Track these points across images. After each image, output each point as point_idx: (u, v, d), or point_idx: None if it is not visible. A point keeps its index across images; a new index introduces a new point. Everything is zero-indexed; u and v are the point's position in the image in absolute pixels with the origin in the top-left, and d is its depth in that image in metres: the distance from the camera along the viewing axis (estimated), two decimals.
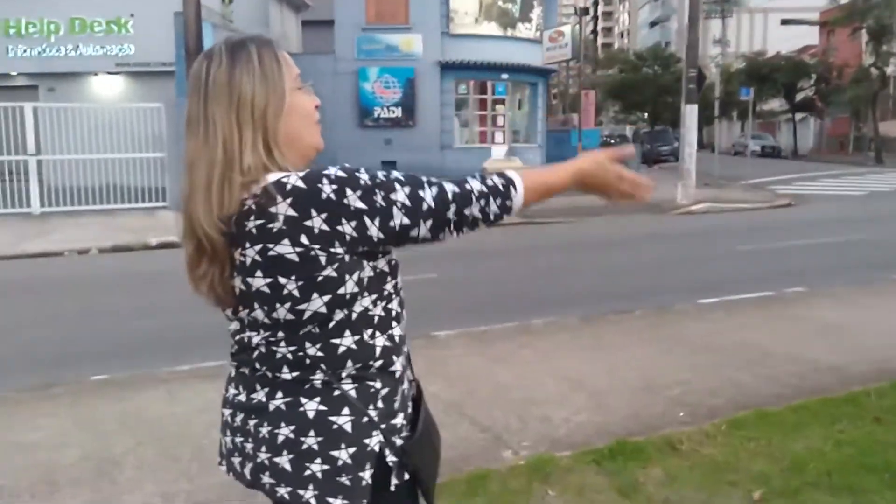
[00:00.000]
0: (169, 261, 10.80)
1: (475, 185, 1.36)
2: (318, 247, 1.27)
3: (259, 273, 1.29)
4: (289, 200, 1.26)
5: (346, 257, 1.30)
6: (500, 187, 1.38)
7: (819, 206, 17.68)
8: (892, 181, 24.07)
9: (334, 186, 1.27)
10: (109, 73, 21.24)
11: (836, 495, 3.41)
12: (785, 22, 60.45)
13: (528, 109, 27.83)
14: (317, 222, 1.26)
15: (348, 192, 1.27)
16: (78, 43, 21.07)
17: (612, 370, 5.33)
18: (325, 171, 1.29)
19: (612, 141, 39.85)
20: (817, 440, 4.04)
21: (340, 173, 1.29)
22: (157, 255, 11.39)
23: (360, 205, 1.28)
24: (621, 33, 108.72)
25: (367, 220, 1.29)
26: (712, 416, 4.45)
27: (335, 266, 1.29)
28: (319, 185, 1.26)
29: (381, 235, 1.31)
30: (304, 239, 1.26)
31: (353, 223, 1.28)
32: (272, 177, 1.29)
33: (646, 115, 51.12)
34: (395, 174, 1.35)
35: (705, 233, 13.67)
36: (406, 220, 1.31)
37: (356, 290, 1.33)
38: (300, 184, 1.27)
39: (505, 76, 25.78)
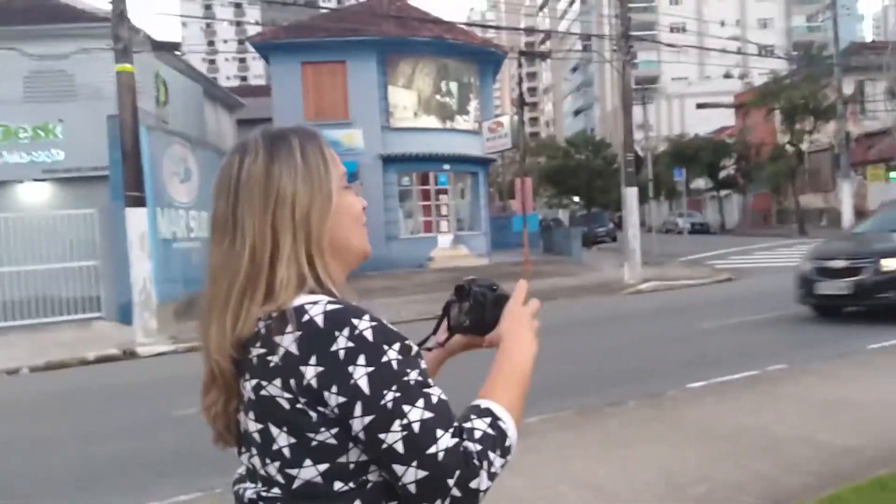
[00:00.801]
0: (110, 376, 10.14)
1: (472, 446, 1.04)
2: (304, 401, 1.03)
3: (252, 414, 1.08)
4: (298, 334, 1.03)
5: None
6: (498, 431, 1.08)
7: (760, 279, 17.91)
8: None
9: (351, 344, 1.02)
10: (36, 180, 20.46)
11: None
12: (700, 106, 63.66)
13: (470, 198, 28.04)
14: (310, 373, 1.02)
15: (361, 360, 1.02)
16: (2, 151, 20.31)
17: (628, 470, 4.91)
18: (356, 319, 1.04)
19: (547, 224, 40.65)
20: None
21: (368, 334, 1.03)
22: (95, 371, 10.56)
23: (364, 385, 1.01)
24: (547, 122, 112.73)
25: (358, 409, 1.01)
26: None
27: (333, 431, 1.03)
28: (336, 333, 1.03)
29: (363, 437, 1.02)
30: (293, 384, 1.03)
31: (342, 399, 1.01)
32: (300, 299, 1.08)
33: (576, 199, 52.46)
34: (433, 388, 1.06)
35: (662, 312, 13.57)
36: (399, 448, 1.00)
37: (366, 458, 1.05)
38: (319, 320, 1.04)
39: (446, 167, 26.02)
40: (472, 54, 27.67)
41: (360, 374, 1.01)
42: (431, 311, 11.16)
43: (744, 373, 7.54)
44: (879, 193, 32.49)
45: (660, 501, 4.36)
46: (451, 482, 1.00)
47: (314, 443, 1.03)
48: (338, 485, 1.04)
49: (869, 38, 73.35)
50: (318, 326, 1.03)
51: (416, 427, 1.00)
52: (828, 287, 10.49)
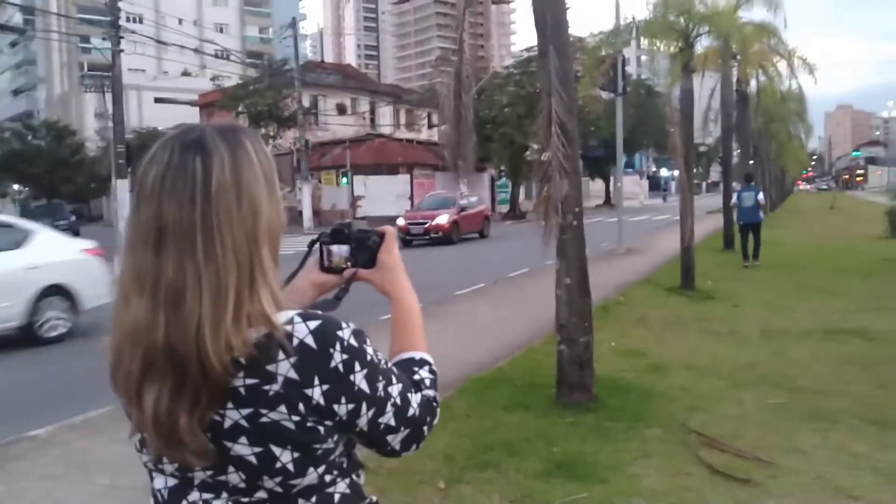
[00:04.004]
0: None
1: (430, 392, 1.25)
2: (314, 419, 1.07)
3: (244, 440, 1.06)
4: (293, 360, 1.05)
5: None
6: (434, 374, 1.30)
7: None
8: None
9: (346, 357, 1.08)
10: None
11: (486, 470, 4.54)
12: (158, 100, 63.26)
13: None
14: (316, 393, 1.06)
15: (357, 366, 1.10)
16: None
17: None
18: (339, 331, 1.10)
19: None
20: (446, 437, 5.06)
21: (353, 341, 1.10)
22: None
23: (365, 387, 1.10)
24: None
25: (364, 408, 1.11)
26: None
27: (336, 437, 1.12)
28: (331, 350, 1.07)
29: (366, 429, 1.13)
30: (301, 407, 1.06)
31: (351, 406, 1.09)
32: (281, 316, 1.08)
33: (26, 188, 47.38)
34: (390, 363, 1.22)
35: None
36: (392, 422, 1.15)
37: (342, 448, 1.17)
38: (310, 342, 1.07)
39: None
40: None
41: (360, 378, 1.09)
42: None
43: None
44: (332, 195, 37.30)
45: None
46: (425, 429, 1.20)
47: (319, 451, 1.09)
48: (328, 477, 1.12)
49: (310, 57, 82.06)
50: (312, 348, 1.06)
51: (398, 400, 1.15)
52: None
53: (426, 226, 23.66)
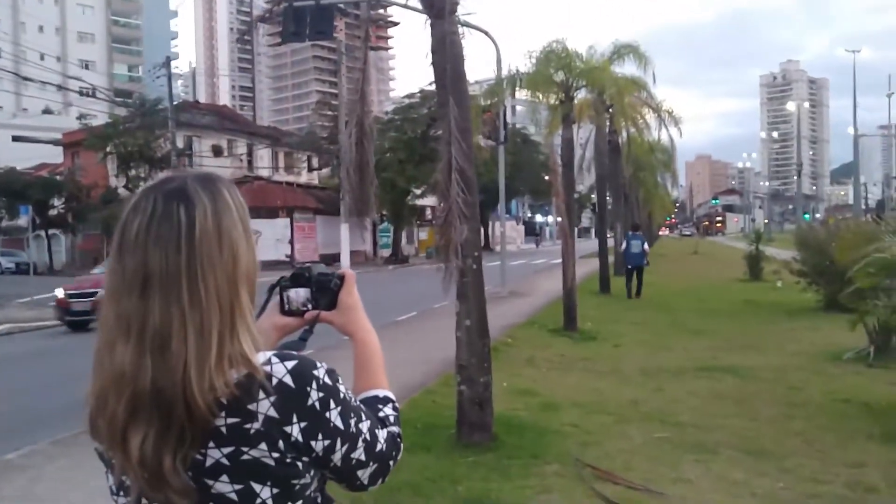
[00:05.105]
0: None
1: (394, 429, 1.30)
2: (292, 455, 1.11)
3: (225, 478, 1.09)
4: (272, 399, 1.09)
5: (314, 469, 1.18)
6: (397, 411, 1.35)
7: None
8: None
9: (321, 394, 1.13)
10: None
11: None
12: (17, 139, 59.65)
13: None
14: (295, 430, 1.10)
15: (332, 404, 1.14)
16: None
17: None
18: (315, 370, 1.14)
19: None
20: None
21: (327, 379, 1.15)
22: None
23: (339, 423, 1.15)
24: None
25: (338, 443, 1.16)
26: None
27: (312, 472, 1.16)
28: (308, 389, 1.12)
29: (339, 465, 1.18)
30: (281, 444, 1.10)
31: (327, 442, 1.14)
32: (259, 357, 1.12)
33: None
34: (357, 400, 1.25)
35: (40, 354, 13.02)
36: (363, 457, 1.20)
37: (317, 482, 1.21)
38: (289, 381, 1.11)
39: None
40: None
41: (335, 415, 1.14)
42: None
43: None
44: None
45: None
46: (391, 463, 1.26)
47: (297, 487, 1.13)
48: None
49: (182, 97, 79.74)
50: (290, 387, 1.10)
51: (368, 436, 1.20)
52: None
53: (95, 299, 13.89)
